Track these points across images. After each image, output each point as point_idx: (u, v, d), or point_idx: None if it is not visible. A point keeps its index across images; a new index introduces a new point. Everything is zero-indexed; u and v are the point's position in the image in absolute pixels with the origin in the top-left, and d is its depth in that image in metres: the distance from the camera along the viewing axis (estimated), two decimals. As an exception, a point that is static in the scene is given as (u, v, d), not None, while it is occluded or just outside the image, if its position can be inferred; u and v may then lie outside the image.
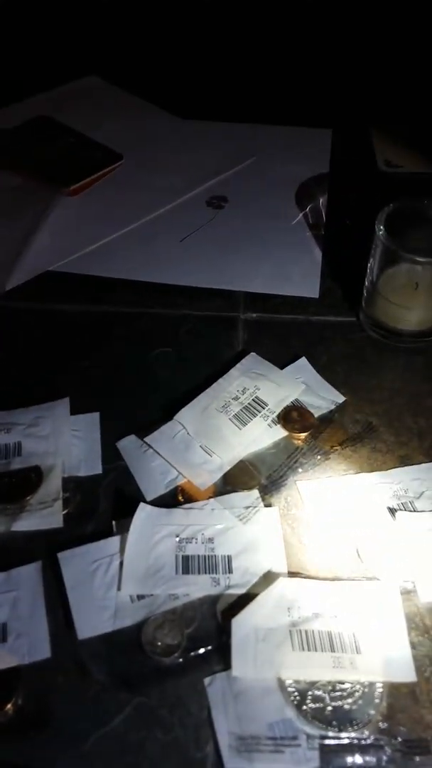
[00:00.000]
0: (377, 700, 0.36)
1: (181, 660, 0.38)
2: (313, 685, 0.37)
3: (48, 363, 0.56)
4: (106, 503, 0.46)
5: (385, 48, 0.92)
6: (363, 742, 0.35)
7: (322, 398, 0.53)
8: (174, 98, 0.88)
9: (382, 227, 0.52)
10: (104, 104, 0.88)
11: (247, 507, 0.45)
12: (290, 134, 0.83)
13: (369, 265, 0.56)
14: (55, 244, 0.67)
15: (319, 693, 0.36)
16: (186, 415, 0.50)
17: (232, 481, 0.47)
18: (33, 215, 0.69)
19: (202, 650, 0.38)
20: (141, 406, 0.52)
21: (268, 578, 0.41)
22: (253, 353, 0.56)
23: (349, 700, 0.36)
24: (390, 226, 0.53)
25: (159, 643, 0.38)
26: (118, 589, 0.41)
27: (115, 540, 0.43)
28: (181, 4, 0.98)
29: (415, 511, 0.45)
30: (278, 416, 0.51)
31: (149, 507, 0.44)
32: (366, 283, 0.57)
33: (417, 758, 0.35)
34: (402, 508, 0.45)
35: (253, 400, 0.52)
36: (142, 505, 0.44)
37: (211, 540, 0.43)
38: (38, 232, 0.67)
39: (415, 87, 0.87)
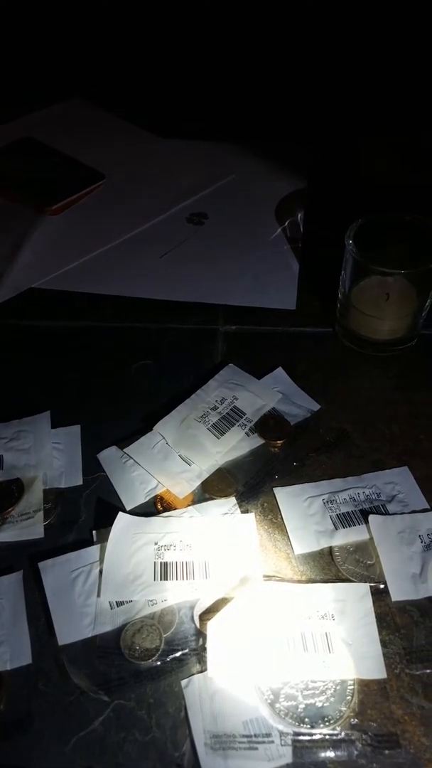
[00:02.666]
0: (348, 697, 0.37)
1: (158, 663, 0.39)
2: (286, 684, 0.38)
3: (30, 377, 0.57)
4: (86, 513, 0.47)
5: (360, 65, 0.94)
6: (334, 737, 0.36)
7: (299, 407, 0.54)
8: (155, 118, 0.90)
9: (351, 241, 0.54)
10: (87, 125, 0.91)
11: (225, 514, 0.47)
12: (269, 151, 0.85)
13: (341, 277, 0.57)
14: (38, 261, 0.68)
15: (291, 691, 0.37)
16: (165, 425, 0.52)
17: (210, 489, 0.49)
18: (16, 234, 0.70)
19: (179, 653, 0.40)
20: (122, 418, 0.54)
21: (244, 582, 0.42)
22: (231, 364, 0.57)
23: (321, 698, 0.37)
24: (359, 240, 0.54)
25: (137, 648, 0.40)
26: (98, 596, 0.42)
27: (94, 549, 0.44)
28: (159, 26, 1.01)
29: (387, 513, 0.46)
30: (255, 425, 0.53)
31: (128, 516, 0.45)
32: (339, 295, 0.59)
33: (386, 752, 0.36)
34: (374, 510, 0.46)
35: (231, 409, 0.54)
36: (120, 514, 0.45)
37: (189, 546, 0.44)
38: (21, 251, 0.69)
39: (393, 102, 0.89)
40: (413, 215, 0.55)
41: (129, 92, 0.96)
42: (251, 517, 0.46)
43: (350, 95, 0.91)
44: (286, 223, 0.74)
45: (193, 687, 0.38)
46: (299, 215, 0.75)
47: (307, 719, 0.36)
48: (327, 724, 0.36)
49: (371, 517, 0.45)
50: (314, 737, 0.36)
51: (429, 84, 0.89)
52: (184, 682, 0.38)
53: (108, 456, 0.51)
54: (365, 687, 0.38)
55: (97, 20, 1.01)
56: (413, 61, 0.91)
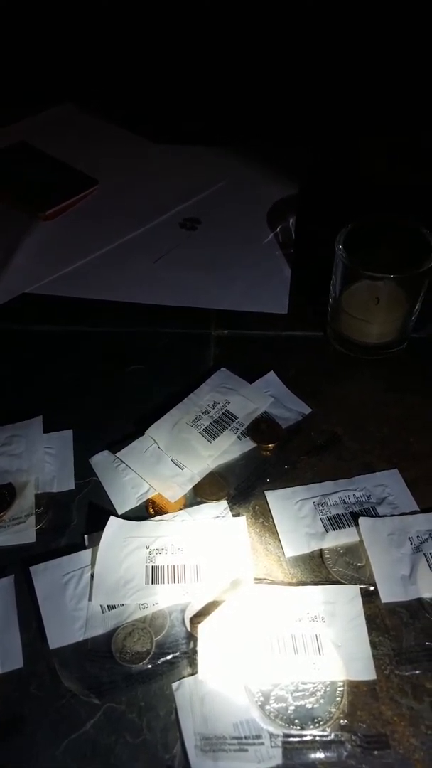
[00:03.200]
0: (338, 698, 0.38)
1: (150, 666, 0.40)
2: (276, 686, 0.38)
3: (23, 382, 0.57)
4: (78, 518, 0.47)
5: (359, 65, 0.95)
6: (324, 738, 0.36)
7: (290, 410, 0.55)
8: (149, 122, 0.90)
9: (341, 246, 0.55)
10: (80, 131, 0.91)
11: (216, 517, 0.47)
12: (262, 156, 0.85)
13: (332, 282, 0.58)
14: (31, 267, 0.69)
15: (281, 693, 0.38)
16: (157, 429, 0.52)
17: (202, 493, 0.49)
18: (9, 240, 0.71)
19: (170, 656, 0.40)
20: (115, 423, 0.54)
21: (235, 585, 0.43)
22: (223, 368, 0.57)
23: (311, 699, 0.38)
24: (349, 245, 0.55)
25: (128, 651, 0.40)
26: (90, 600, 0.42)
27: (86, 553, 0.44)
28: (153, 30, 1.01)
29: (377, 515, 0.47)
30: (247, 428, 0.53)
31: (119, 520, 0.45)
32: (330, 299, 0.59)
33: (376, 752, 0.36)
34: (364, 513, 0.47)
35: (223, 413, 0.54)
36: (111, 518, 0.45)
37: (180, 550, 0.45)
38: (14, 256, 0.69)
39: (393, 102, 0.90)
40: (403, 218, 0.56)
41: (122, 97, 0.97)
42: (242, 520, 0.47)
43: (349, 95, 0.91)
44: (279, 229, 0.74)
45: (184, 690, 0.38)
46: (291, 221, 0.75)
47: (296, 721, 0.37)
48: (317, 725, 0.37)
49: (361, 520, 0.46)
50: (304, 738, 0.36)
51: (428, 84, 0.89)
52: (174, 685, 0.39)
53: (100, 460, 0.51)
54: (355, 688, 0.39)
55: (90, 25, 1.02)
56: (412, 61, 0.92)
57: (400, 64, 0.92)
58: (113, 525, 0.45)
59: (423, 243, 0.54)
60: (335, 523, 0.46)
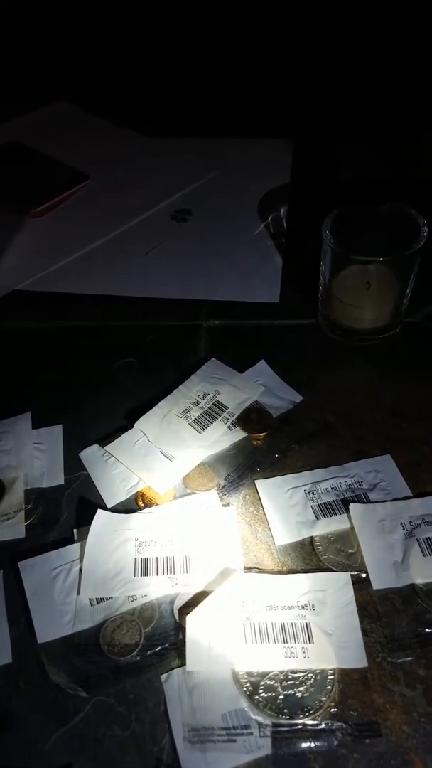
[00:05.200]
0: (329, 687, 0.37)
1: (138, 658, 0.39)
2: (265, 675, 0.38)
3: (13, 379, 0.57)
4: (68, 512, 0.47)
5: (344, 60, 0.94)
6: (314, 728, 0.36)
7: (281, 399, 0.54)
8: (141, 118, 0.90)
9: (328, 232, 0.54)
10: (73, 127, 0.91)
11: (206, 508, 0.47)
12: (252, 146, 0.84)
13: (321, 269, 0.57)
14: (22, 264, 0.68)
15: (271, 683, 0.37)
16: (146, 422, 0.52)
17: (192, 484, 0.48)
18: (0, 237, 0.71)
19: (159, 648, 0.40)
20: (105, 416, 0.53)
21: (225, 575, 0.42)
22: (213, 359, 0.57)
23: (301, 688, 0.37)
24: (337, 230, 0.54)
25: (117, 644, 0.40)
26: (78, 593, 0.42)
27: (75, 547, 0.44)
28: (139, 26, 1.01)
29: (369, 502, 0.46)
30: (238, 418, 0.52)
31: (107, 513, 0.45)
32: (320, 286, 0.58)
33: (367, 741, 0.36)
34: (356, 499, 0.46)
35: (213, 404, 0.53)
36: (99, 511, 0.45)
37: (169, 541, 0.44)
38: (6, 253, 0.69)
39: (374, 99, 0.89)
40: (390, 202, 0.55)
41: (114, 92, 0.96)
42: (232, 510, 0.46)
43: (342, 94, 0.90)
44: (270, 219, 0.74)
45: (173, 681, 0.38)
46: (282, 210, 0.75)
47: (286, 710, 0.36)
48: (307, 714, 0.36)
49: (352, 506, 0.45)
50: (294, 728, 0.36)
51: (426, 83, 0.88)
52: (163, 677, 0.38)
53: (90, 454, 0.51)
54: (346, 676, 0.38)
55: (86, 23, 1.01)
56: (407, 61, 0.90)
57: (395, 64, 0.91)
58: (101, 518, 0.45)
59: (411, 225, 0.53)
60: (326, 510, 0.46)
